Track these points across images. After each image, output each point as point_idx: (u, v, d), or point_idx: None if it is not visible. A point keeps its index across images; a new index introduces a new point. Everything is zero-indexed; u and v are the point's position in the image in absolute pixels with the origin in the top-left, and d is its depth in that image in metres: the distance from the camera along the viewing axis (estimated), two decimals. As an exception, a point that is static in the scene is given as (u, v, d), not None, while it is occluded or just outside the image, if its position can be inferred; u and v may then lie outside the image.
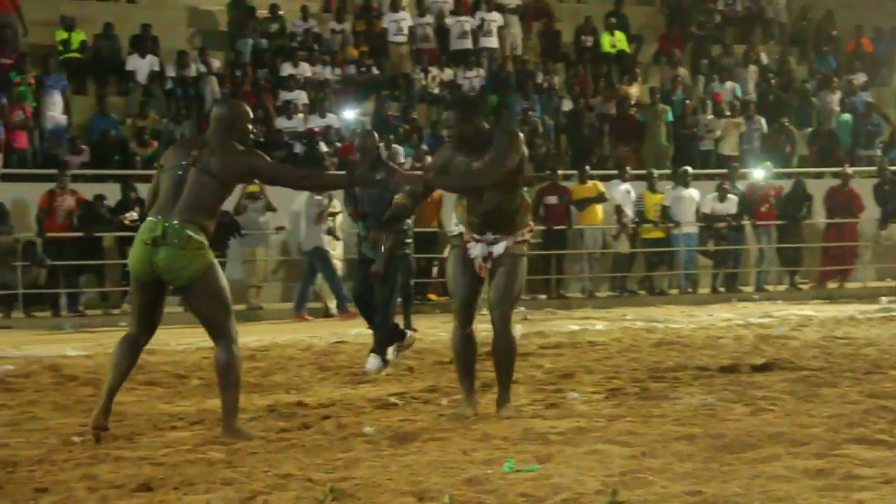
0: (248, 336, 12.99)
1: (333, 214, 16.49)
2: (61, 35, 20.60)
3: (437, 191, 18.04)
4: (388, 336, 9.54)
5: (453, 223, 8.15)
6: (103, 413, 6.42)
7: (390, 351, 9.62)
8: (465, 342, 7.26)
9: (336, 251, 16.81)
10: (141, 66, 20.38)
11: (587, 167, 19.29)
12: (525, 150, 7.14)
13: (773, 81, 23.36)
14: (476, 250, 7.18)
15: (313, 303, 16.96)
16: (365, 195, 9.61)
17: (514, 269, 7.17)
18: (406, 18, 22.32)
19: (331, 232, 16.61)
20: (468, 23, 22.80)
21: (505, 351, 7.18)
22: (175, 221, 6.48)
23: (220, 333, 6.71)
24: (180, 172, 6.69)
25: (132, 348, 6.79)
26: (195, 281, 6.54)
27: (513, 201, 7.13)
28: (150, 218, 6.62)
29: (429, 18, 22.77)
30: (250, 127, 7.00)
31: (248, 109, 7.11)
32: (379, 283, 9.39)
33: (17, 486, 5.07)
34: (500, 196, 7.06)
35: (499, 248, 7.15)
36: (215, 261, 6.63)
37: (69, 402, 7.89)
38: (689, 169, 19.41)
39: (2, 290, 16.36)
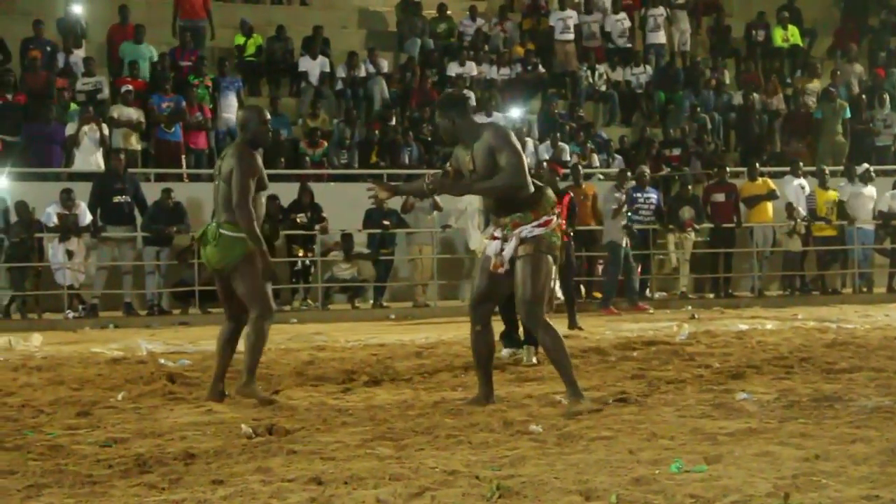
0: (415, 333, 13.15)
1: (632, 211, 17.03)
2: (239, 40, 21.13)
3: (591, 188, 18.15)
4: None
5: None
6: (216, 386, 7.94)
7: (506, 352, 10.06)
8: (475, 339, 7.42)
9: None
10: (312, 67, 20.77)
11: (757, 164, 18.95)
12: (507, 135, 7.22)
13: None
14: (491, 248, 7.26)
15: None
16: None
17: (529, 269, 7.12)
18: (572, 16, 22.26)
19: (627, 228, 16.79)
20: (625, 21, 22.61)
21: (546, 350, 7.26)
22: (213, 223, 7.97)
23: (254, 308, 7.87)
24: (214, 181, 8.04)
25: (226, 335, 8.10)
26: (233, 269, 7.83)
27: (523, 188, 7.14)
28: None
29: (596, 16, 22.65)
30: (265, 129, 8.02)
31: (262, 114, 8.08)
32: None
33: (195, 477, 5.22)
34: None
35: (508, 249, 7.17)
36: (253, 253, 7.77)
37: (244, 396, 8.07)
38: (868, 166, 18.91)
39: (180, 287, 16.89)
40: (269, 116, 8.19)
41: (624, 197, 16.72)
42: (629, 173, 17.57)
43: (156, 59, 19.85)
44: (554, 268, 7.30)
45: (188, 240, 16.98)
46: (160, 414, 7.36)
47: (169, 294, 17.00)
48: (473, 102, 6.85)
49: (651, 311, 16.73)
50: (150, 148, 18.95)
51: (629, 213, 17.03)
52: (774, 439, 5.84)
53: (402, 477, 5.05)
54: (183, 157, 18.76)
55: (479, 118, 19.95)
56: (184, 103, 18.78)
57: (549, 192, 7.39)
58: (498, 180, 7.13)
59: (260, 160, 8.01)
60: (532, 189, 7.19)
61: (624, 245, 16.77)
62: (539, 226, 7.17)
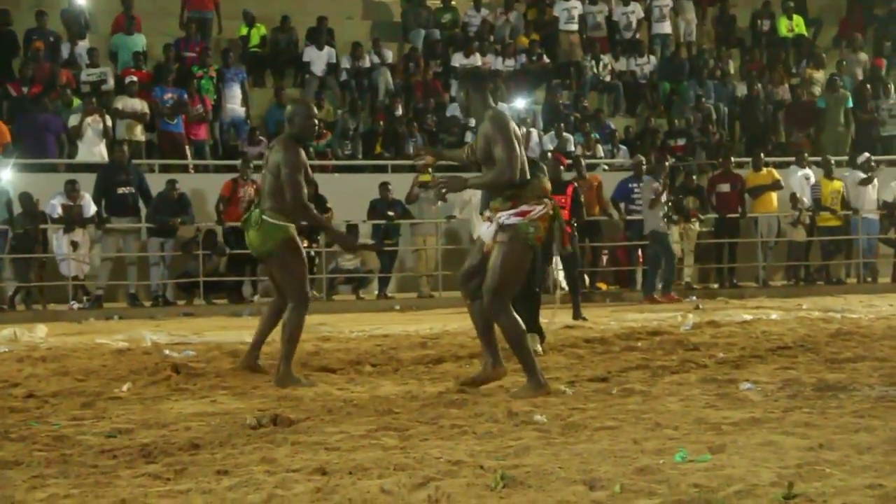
0: (419, 324, 13.16)
1: (670, 201, 17.08)
2: (242, 30, 21.13)
3: (596, 178, 18.17)
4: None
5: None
6: (251, 355, 8.65)
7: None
8: (471, 312, 7.67)
9: (673, 235, 17.37)
10: (317, 57, 20.76)
11: (762, 154, 18.93)
12: (503, 127, 7.20)
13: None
14: (482, 230, 7.52)
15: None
16: None
17: (502, 255, 7.27)
18: (577, 6, 22.23)
19: (667, 216, 16.88)
20: (634, 14, 22.56)
21: (506, 338, 7.40)
22: (257, 210, 8.30)
23: (290, 297, 8.26)
24: (262, 171, 8.50)
25: (274, 308, 8.64)
26: (272, 254, 8.26)
27: (514, 181, 7.22)
28: None
29: (600, 6, 22.62)
30: (311, 123, 8.37)
31: (309, 108, 8.45)
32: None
33: (200, 467, 5.23)
34: (485, 170, 7.36)
35: (489, 232, 7.37)
36: (293, 239, 8.20)
37: (248, 387, 8.10)
38: (870, 156, 18.88)
39: (184, 278, 16.91)
40: (315, 111, 8.62)
41: (661, 187, 16.76)
42: (666, 163, 17.63)
43: (143, 50, 19.79)
44: (535, 255, 7.60)
45: (193, 231, 17.02)
46: (165, 405, 7.37)
47: (173, 285, 17.02)
48: (494, 85, 7.07)
49: (680, 300, 16.75)
50: (154, 139, 18.95)
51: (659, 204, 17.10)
52: (778, 429, 5.85)
53: (406, 467, 5.06)
54: (187, 147, 18.77)
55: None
56: (185, 95, 18.78)
57: (540, 181, 7.41)
58: (488, 175, 7.29)
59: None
60: (523, 178, 7.28)
61: (668, 233, 16.88)
62: (516, 214, 7.25)
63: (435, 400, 7.22)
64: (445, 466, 5.08)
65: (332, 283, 17.58)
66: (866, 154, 19.05)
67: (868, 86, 21.75)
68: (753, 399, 6.93)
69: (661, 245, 16.80)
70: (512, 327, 7.32)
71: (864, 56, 22.83)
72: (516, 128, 7.52)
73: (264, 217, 8.17)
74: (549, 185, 7.53)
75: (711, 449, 5.35)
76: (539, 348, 9.87)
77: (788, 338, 10.55)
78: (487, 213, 7.51)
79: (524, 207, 7.26)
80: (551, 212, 7.39)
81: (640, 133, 21.06)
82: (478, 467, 5.04)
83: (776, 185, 18.48)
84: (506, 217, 7.27)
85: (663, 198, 16.78)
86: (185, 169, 18.68)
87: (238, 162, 17.59)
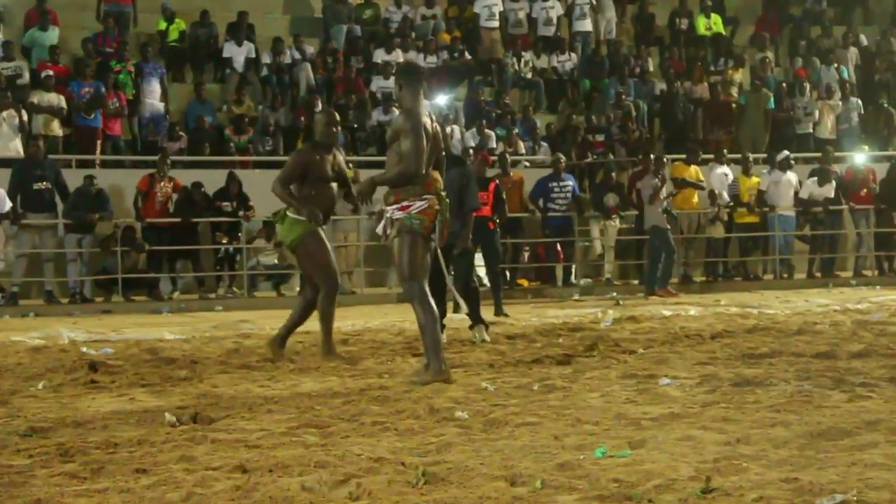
0: (341, 321, 13.10)
1: (671, 195, 17.21)
2: (161, 25, 20.91)
3: (519, 175, 18.27)
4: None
5: None
6: (279, 341, 9.48)
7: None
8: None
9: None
10: (237, 53, 20.61)
11: (693, 150, 19.12)
12: (414, 123, 7.55)
13: (877, 62, 22.94)
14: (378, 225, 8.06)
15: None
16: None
17: (399, 248, 7.81)
18: (497, 3, 22.27)
19: (667, 211, 16.94)
20: (553, 9, 22.66)
21: (418, 323, 7.86)
22: (285, 206, 9.31)
23: (319, 283, 9.37)
24: None
25: (304, 302, 9.61)
26: (296, 246, 9.34)
27: (416, 176, 7.66)
28: None
29: (521, 3, 22.69)
30: (328, 131, 9.43)
31: (328, 116, 9.56)
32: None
33: (118, 466, 5.17)
34: (388, 166, 7.89)
35: (380, 227, 7.95)
36: (315, 232, 9.23)
37: (167, 385, 8.02)
38: (789, 153, 19.17)
39: (102, 275, 16.70)
40: (336, 118, 9.67)
41: (660, 182, 16.88)
42: (665, 159, 17.74)
43: (55, 43, 19.51)
44: (430, 244, 7.83)
45: (111, 227, 16.81)
46: (82, 403, 7.27)
47: (91, 282, 16.79)
48: (424, 83, 7.60)
49: (679, 295, 16.88)
50: (72, 134, 18.69)
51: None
52: (697, 424, 5.91)
53: (327, 464, 5.04)
54: (99, 143, 18.51)
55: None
56: (103, 89, 18.54)
57: (427, 179, 7.74)
58: (393, 171, 7.73)
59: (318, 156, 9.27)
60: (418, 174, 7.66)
61: (667, 228, 17.03)
62: (399, 209, 7.74)
63: (356, 397, 7.20)
64: (367, 463, 5.07)
65: (253, 280, 17.47)
66: (786, 152, 19.32)
67: (784, 85, 22.07)
68: (672, 394, 7.00)
69: (661, 240, 16.93)
70: (423, 313, 7.74)
71: (780, 56, 23.13)
72: (432, 124, 7.78)
73: (286, 212, 9.27)
74: (438, 183, 7.85)
75: (631, 444, 5.39)
76: (487, 337, 10.51)
77: (707, 333, 10.67)
78: (379, 207, 8.04)
79: (405, 203, 7.73)
80: (437, 207, 7.76)
81: (562, 130, 21.17)
82: (399, 464, 5.04)
83: (699, 185, 18.67)
84: (391, 212, 7.78)
85: (663, 193, 16.91)
86: (102, 164, 18.44)
87: (156, 157, 17.39)
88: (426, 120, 7.74)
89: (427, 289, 7.80)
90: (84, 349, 10.27)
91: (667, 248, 17.00)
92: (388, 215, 7.80)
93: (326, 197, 9.36)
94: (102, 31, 20.10)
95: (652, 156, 17.82)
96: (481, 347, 10.07)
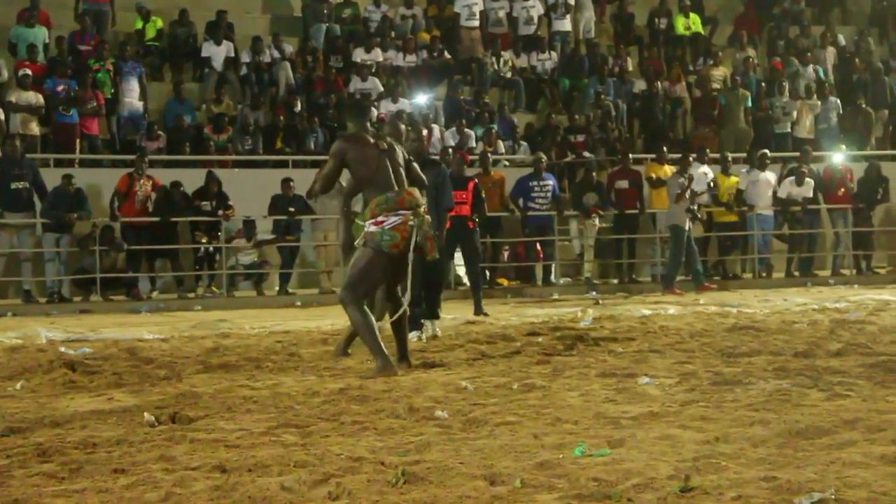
0: (321, 320, 13.10)
1: (696, 194, 17.20)
2: (138, 24, 20.85)
3: (499, 174, 18.30)
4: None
5: None
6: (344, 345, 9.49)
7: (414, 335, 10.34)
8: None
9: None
10: (216, 52, 20.56)
11: (665, 149, 19.18)
12: (341, 152, 8.35)
13: (856, 62, 23.03)
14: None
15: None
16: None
17: (356, 257, 8.37)
18: (478, 3, 22.27)
19: (691, 211, 17.00)
20: (534, 8, 22.67)
21: (353, 326, 8.51)
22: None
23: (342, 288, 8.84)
24: None
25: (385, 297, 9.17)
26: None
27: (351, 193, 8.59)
28: None
29: (501, 3, 22.70)
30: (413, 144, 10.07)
31: (396, 127, 9.84)
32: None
33: (96, 466, 5.15)
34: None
35: (360, 238, 8.42)
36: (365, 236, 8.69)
37: (145, 384, 8.00)
38: (768, 152, 19.22)
39: (80, 275, 16.64)
40: (403, 128, 10.03)
41: (687, 181, 16.91)
42: (692, 157, 17.76)
43: (47, 41, 19.45)
44: (392, 263, 8.27)
45: (90, 226, 16.75)
46: (60, 403, 7.25)
47: (69, 281, 16.73)
48: (368, 112, 8.85)
49: (716, 288, 16.91)
50: (49, 133, 18.60)
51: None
52: (676, 423, 5.92)
53: (306, 464, 5.03)
54: (77, 141, 18.44)
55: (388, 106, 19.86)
56: (76, 86, 18.44)
57: (400, 195, 8.27)
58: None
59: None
60: (373, 193, 8.32)
61: (687, 229, 17.04)
62: (374, 223, 8.24)
63: (336, 396, 7.19)
64: (346, 463, 5.06)
65: (232, 280, 17.44)
66: (764, 150, 19.39)
67: (763, 84, 22.14)
68: (652, 393, 7.01)
69: (675, 239, 17.04)
70: (357, 319, 8.28)
71: (760, 55, 23.20)
72: (378, 144, 8.48)
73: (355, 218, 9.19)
74: (413, 198, 8.28)
75: (610, 443, 5.40)
76: (438, 332, 10.68)
77: (686, 332, 10.69)
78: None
79: (380, 217, 8.21)
80: (411, 222, 8.19)
81: (541, 129, 21.19)
82: (378, 463, 5.03)
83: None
84: (367, 226, 8.27)
85: (688, 193, 16.93)
86: (80, 163, 18.37)
87: (134, 157, 17.32)
88: (369, 144, 8.40)
89: (362, 299, 8.35)
90: (62, 349, 10.23)
91: (676, 249, 17.05)
92: (366, 229, 8.27)
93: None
94: (80, 30, 20.02)
95: (679, 154, 17.92)
96: (461, 347, 10.04)
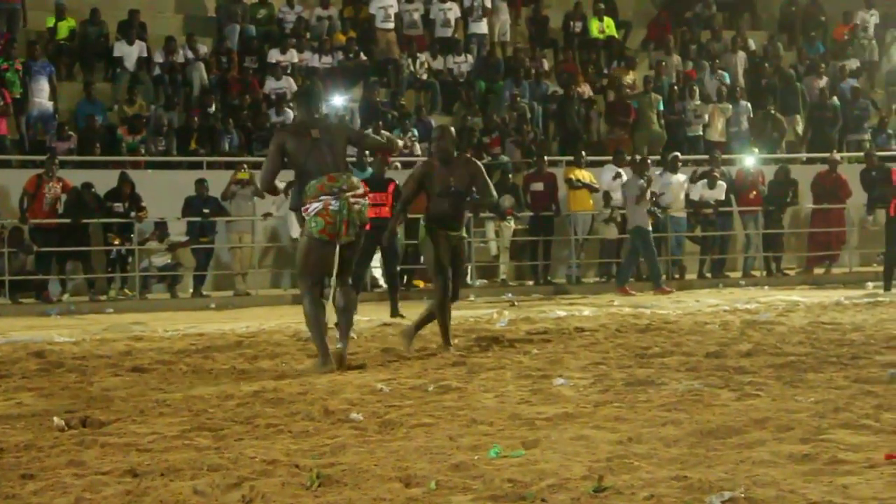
0: (236, 322, 13.01)
1: (655, 196, 17.43)
2: (50, 22, 20.53)
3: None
4: None
5: None
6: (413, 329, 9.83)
7: None
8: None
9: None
10: (128, 52, 20.30)
11: (583, 152, 19.29)
12: (279, 144, 8.62)
13: (766, 66, 23.37)
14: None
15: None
16: None
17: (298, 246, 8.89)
18: (393, 5, 22.23)
19: (652, 212, 17.28)
20: (451, 11, 22.70)
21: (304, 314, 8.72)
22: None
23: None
24: None
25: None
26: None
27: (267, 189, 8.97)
28: None
29: (416, 5, 22.69)
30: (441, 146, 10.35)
31: (444, 130, 10.45)
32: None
33: (3, 472, 5.06)
34: None
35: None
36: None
37: (55, 388, 7.88)
38: (679, 155, 19.43)
39: (-12, 277, 16.35)
40: (441, 133, 10.43)
41: (646, 183, 17.03)
42: (649, 160, 17.83)
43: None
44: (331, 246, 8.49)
45: (-2, 228, 16.47)
46: (-33, 408, 7.11)
47: (-23, 284, 16.42)
48: (314, 98, 8.87)
49: (673, 291, 17.01)
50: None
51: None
52: (590, 423, 5.97)
53: (220, 467, 4.99)
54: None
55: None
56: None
57: (314, 185, 8.44)
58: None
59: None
60: (298, 181, 8.65)
61: (650, 230, 17.24)
62: (305, 211, 8.54)
63: (251, 399, 7.14)
64: (260, 466, 5.03)
65: (145, 282, 17.23)
66: (676, 153, 19.59)
67: (676, 88, 22.38)
68: (566, 394, 7.06)
69: (643, 241, 17.09)
70: (305, 310, 8.63)
71: (675, 59, 23.47)
72: (322, 128, 8.68)
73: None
74: (334, 182, 8.43)
75: (525, 444, 5.43)
76: (354, 334, 10.34)
77: (600, 334, 10.78)
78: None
79: (307, 205, 8.51)
80: (331, 206, 8.40)
81: (457, 131, 21.16)
82: (293, 466, 5.01)
83: (593, 188, 18.84)
84: (304, 213, 8.62)
85: (647, 194, 17.02)
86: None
87: (44, 157, 17.05)
88: (303, 133, 8.59)
89: (313, 286, 8.68)
90: (-31, 353, 10.03)
91: (647, 250, 17.20)
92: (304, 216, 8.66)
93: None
94: (-10, 29, 19.68)
95: (637, 157, 18.11)
96: (377, 348, 10.03)
